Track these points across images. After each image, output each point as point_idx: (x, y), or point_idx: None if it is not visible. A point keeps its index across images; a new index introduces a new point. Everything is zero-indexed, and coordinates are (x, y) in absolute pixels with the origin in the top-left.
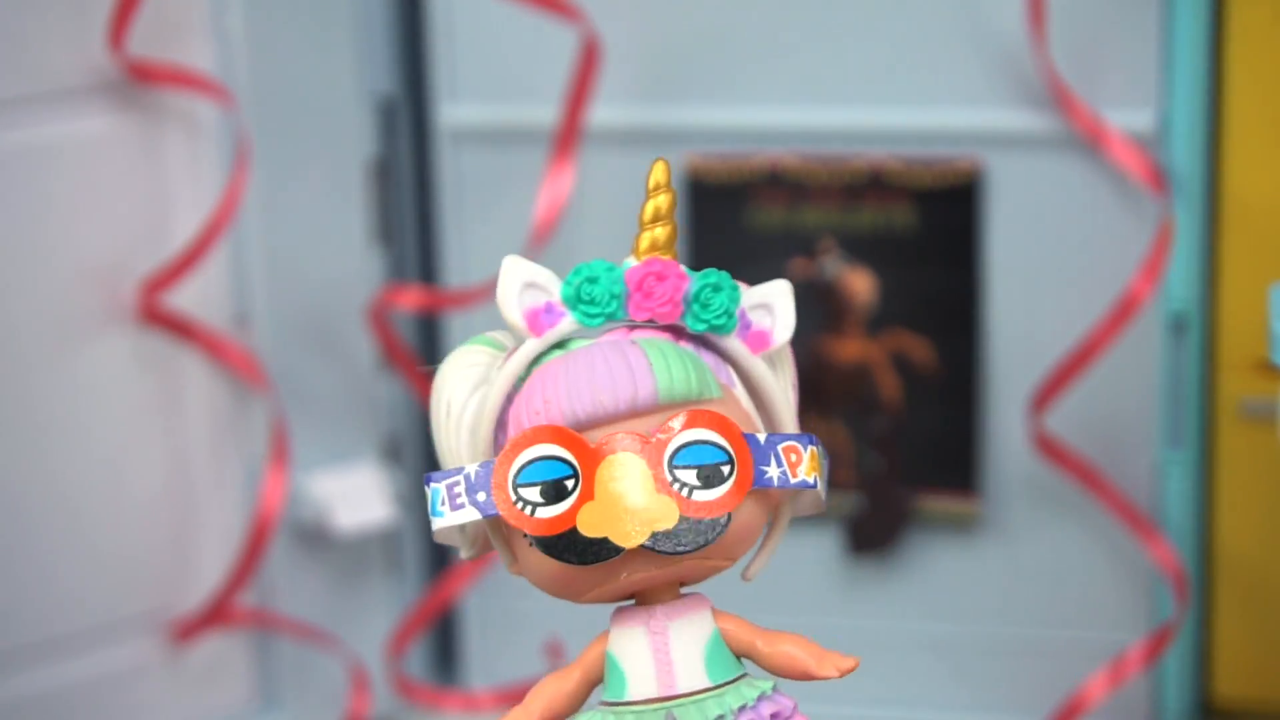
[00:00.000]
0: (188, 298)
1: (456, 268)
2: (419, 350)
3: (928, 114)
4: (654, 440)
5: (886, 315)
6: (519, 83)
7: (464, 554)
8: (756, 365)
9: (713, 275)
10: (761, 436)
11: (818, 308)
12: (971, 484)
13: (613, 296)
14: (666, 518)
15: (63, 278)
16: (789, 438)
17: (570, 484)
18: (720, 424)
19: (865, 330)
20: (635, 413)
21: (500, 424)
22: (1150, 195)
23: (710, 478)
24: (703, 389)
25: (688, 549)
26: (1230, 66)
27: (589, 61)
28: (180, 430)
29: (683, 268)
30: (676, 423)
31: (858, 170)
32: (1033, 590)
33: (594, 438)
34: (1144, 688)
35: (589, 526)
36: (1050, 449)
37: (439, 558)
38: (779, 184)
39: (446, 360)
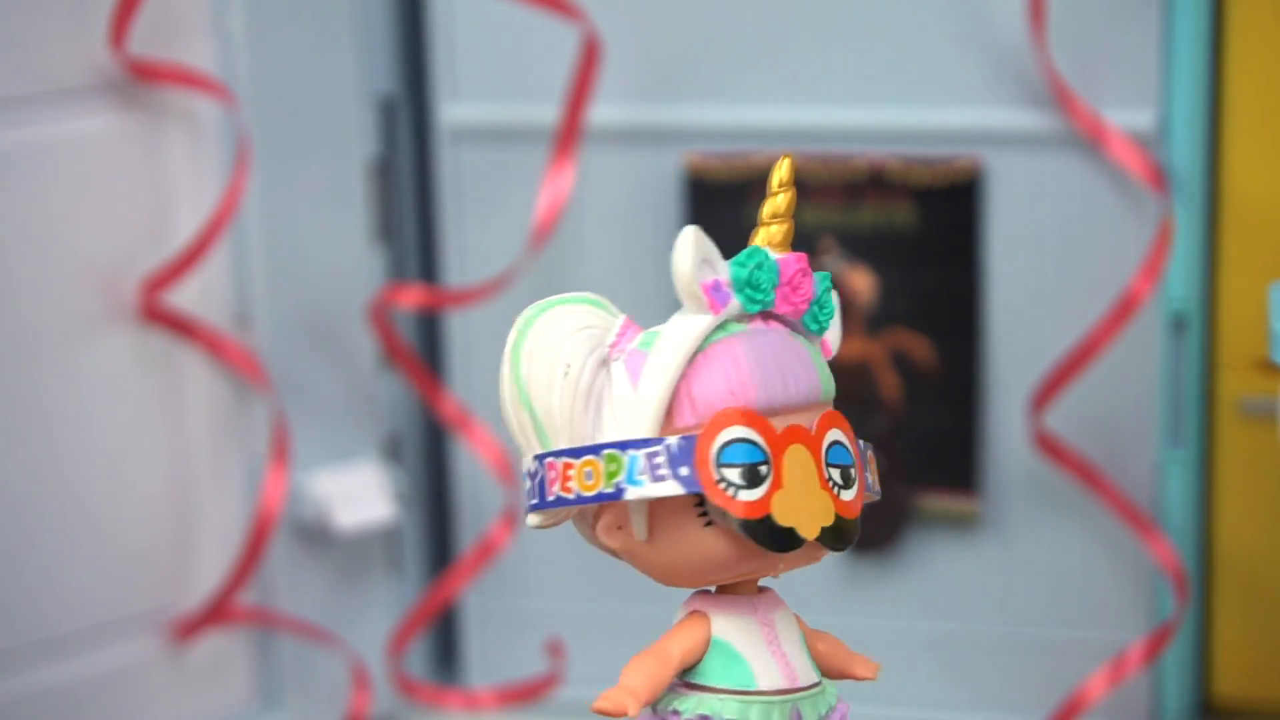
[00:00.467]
0: (189, 296)
1: (457, 266)
2: (419, 349)
3: (928, 113)
4: (815, 435)
5: (886, 314)
6: (519, 82)
7: (535, 523)
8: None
9: (828, 279)
10: (862, 442)
11: None
12: (971, 483)
13: (774, 286)
14: (827, 514)
15: (64, 276)
16: (867, 446)
17: (764, 470)
18: (845, 426)
19: (865, 329)
20: (809, 406)
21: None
22: (1150, 194)
23: (847, 478)
24: (832, 390)
25: (844, 546)
26: (1230, 66)
27: (589, 61)
28: (181, 429)
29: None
30: (828, 420)
31: (858, 169)
32: (1033, 589)
33: (776, 425)
34: (1144, 686)
35: (783, 514)
36: (1050, 448)
37: (439, 556)
38: None
39: (543, 314)
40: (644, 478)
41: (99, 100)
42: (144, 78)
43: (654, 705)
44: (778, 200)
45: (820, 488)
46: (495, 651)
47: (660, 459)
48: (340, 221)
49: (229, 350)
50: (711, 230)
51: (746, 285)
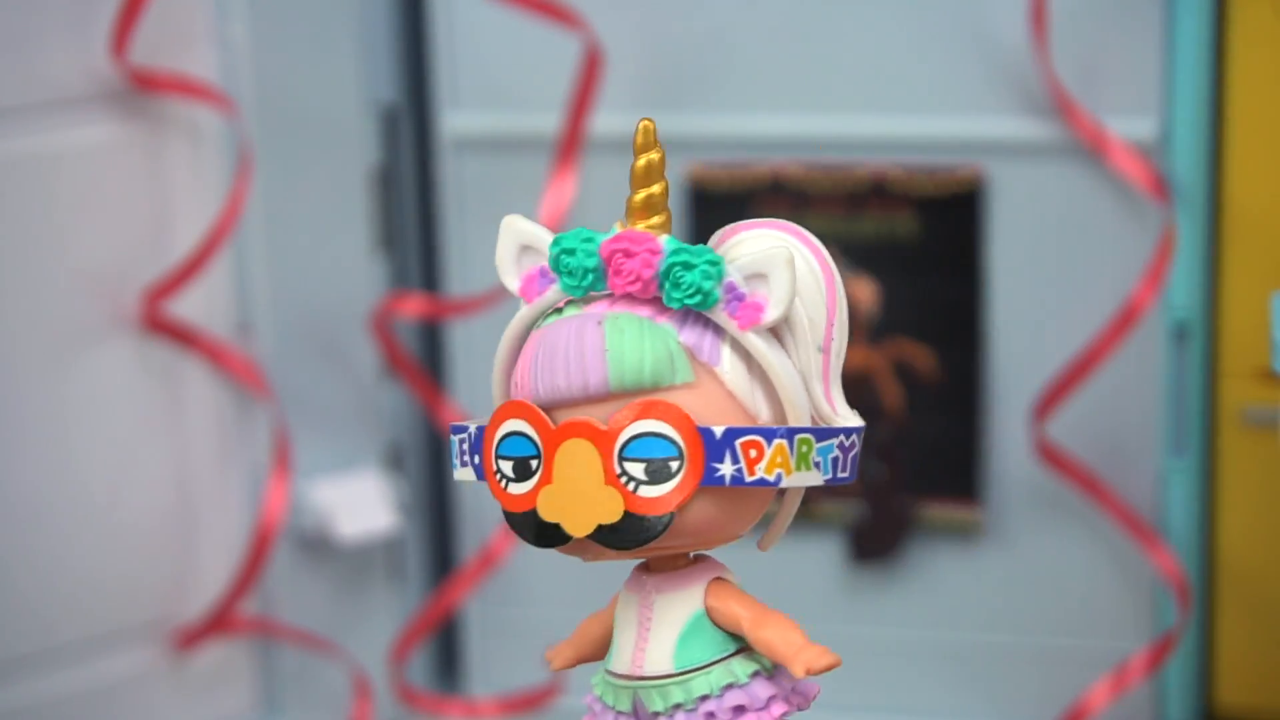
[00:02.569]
0: (190, 306)
1: (458, 276)
2: (421, 358)
3: (930, 122)
4: (606, 429)
5: (888, 323)
6: (521, 91)
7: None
8: (748, 340)
9: (684, 252)
10: (719, 430)
11: None
12: (973, 492)
13: (587, 270)
14: (611, 512)
15: (66, 286)
16: (750, 431)
17: (534, 464)
18: (673, 416)
19: (867, 338)
20: (589, 399)
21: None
22: (1152, 203)
23: (657, 473)
24: (659, 377)
25: (630, 546)
26: (1232, 75)
27: (591, 70)
28: (183, 438)
29: (660, 240)
30: (629, 412)
31: (860, 179)
32: (1035, 598)
33: (558, 419)
34: (1146, 695)
35: (547, 510)
36: (1052, 457)
37: (441, 566)
38: (781, 192)
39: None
40: (458, 461)
41: (101, 110)
42: (146, 87)
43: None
44: (651, 157)
45: (603, 484)
46: (496, 661)
47: (466, 445)
48: (342, 231)
49: (231, 360)
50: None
51: (558, 271)
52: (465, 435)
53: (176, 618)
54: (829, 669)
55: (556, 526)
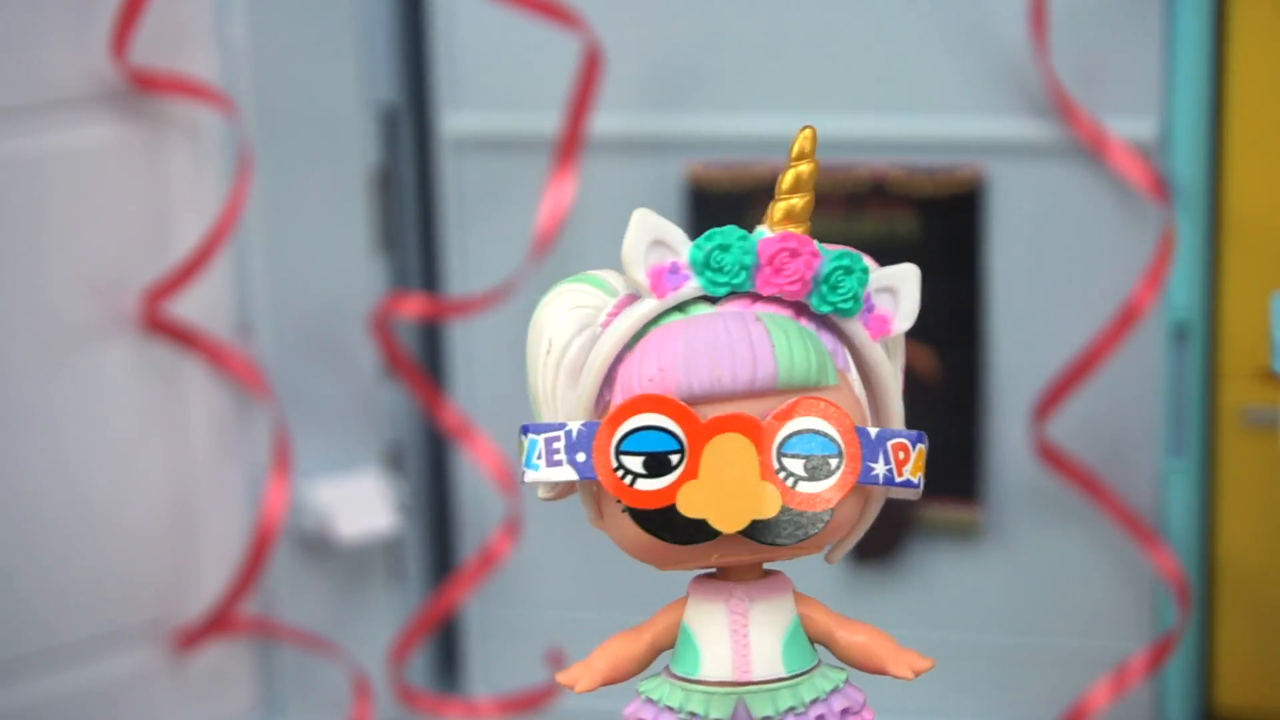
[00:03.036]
0: (190, 306)
1: (459, 276)
2: (421, 359)
3: (930, 123)
4: (766, 424)
5: None
6: (521, 91)
7: (543, 494)
8: (875, 352)
9: (845, 257)
10: (873, 431)
11: None
12: (974, 492)
13: (742, 267)
14: (768, 507)
15: (65, 286)
16: (900, 434)
17: (675, 459)
18: (834, 414)
19: None
20: (752, 393)
21: (607, 380)
22: (1152, 204)
23: (817, 469)
24: (821, 375)
25: (786, 541)
26: (1232, 75)
27: (591, 70)
28: (183, 439)
29: (816, 244)
30: (792, 409)
31: (860, 179)
32: (1035, 598)
33: (706, 413)
34: (1147, 696)
35: (689, 506)
36: (1052, 457)
37: (441, 566)
38: None
39: (549, 295)
40: (540, 462)
41: (101, 110)
42: (146, 87)
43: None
44: (800, 170)
45: (759, 479)
46: (497, 661)
47: (559, 444)
48: (342, 231)
49: (230, 360)
50: None
51: (705, 267)
52: (557, 434)
53: (176, 618)
54: (929, 668)
55: (701, 523)
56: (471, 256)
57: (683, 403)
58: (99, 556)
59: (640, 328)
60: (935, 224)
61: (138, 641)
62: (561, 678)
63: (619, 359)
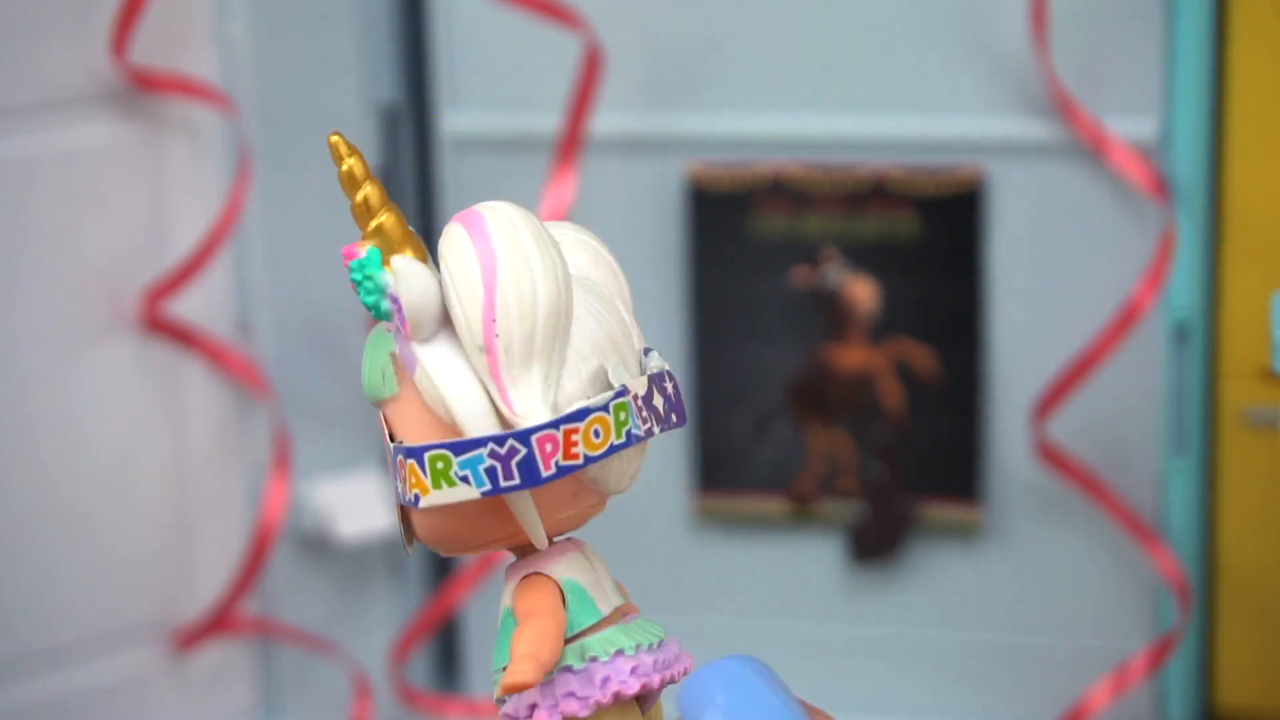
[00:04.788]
0: (190, 306)
1: None
2: None
3: (930, 122)
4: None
5: (889, 323)
6: (521, 91)
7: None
8: (420, 352)
9: (358, 268)
10: (393, 446)
11: (820, 316)
12: (974, 492)
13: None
14: None
15: (66, 286)
16: (395, 451)
17: None
18: (384, 428)
19: (868, 338)
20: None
21: None
22: (1152, 203)
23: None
24: (376, 391)
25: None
26: (1232, 75)
27: (591, 70)
28: (183, 438)
29: (359, 251)
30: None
31: (860, 179)
32: (1035, 598)
33: None
34: (1147, 696)
35: None
36: (1053, 457)
37: (441, 566)
38: (781, 192)
39: None
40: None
41: (101, 110)
42: (146, 87)
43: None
44: (352, 165)
45: None
46: None
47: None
48: (342, 231)
49: (231, 360)
50: (714, 239)
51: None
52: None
53: (177, 618)
54: (506, 690)
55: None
56: None
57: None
58: (99, 556)
59: None
60: (936, 223)
61: (138, 641)
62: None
63: None
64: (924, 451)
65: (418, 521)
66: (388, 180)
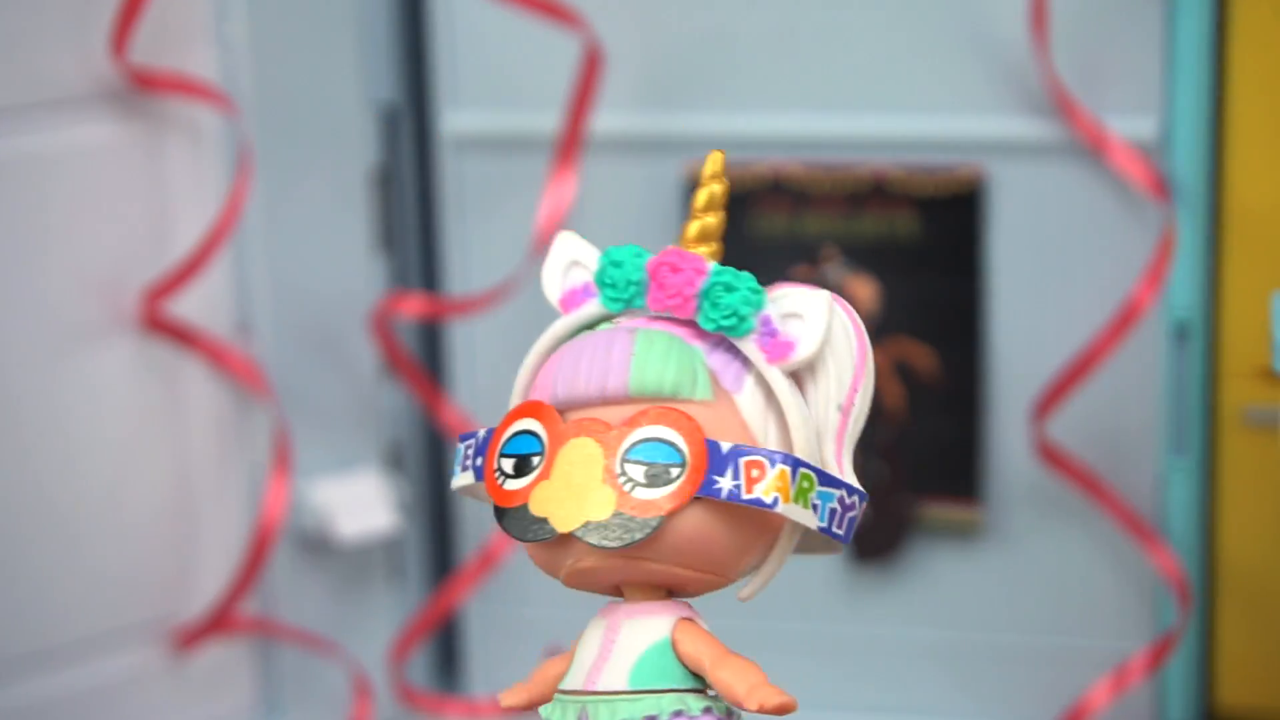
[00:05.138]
0: (190, 306)
1: (459, 275)
2: (421, 358)
3: (930, 122)
4: (616, 430)
5: (889, 323)
6: (521, 90)
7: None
8: (772, 374)
9: (728, 274)
10: (726, 445)
11: None
12: (974, 491)
13: (631, 283)
14: (601, 509)
15: (65, 286)
16: (757, 452)
17: (536, 460)
18: (683, 425)
19: (867, 338)
20: (606, 400)
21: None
22: (1153, 203)
23: (656, 477)
24: (679, 388)
25: (613, 545)
26: (1232, 74)
27: (591, 69)
28: (182, 438)
29: (708, 262)
30: (641, 415)
31: (860, 178)
32: (1035, 598)
33: (570, 419)
34: (1147, 696)
35: (537, 504)
36: (1053, 456)
37: (441, 566)
38: (781, 192)
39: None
40: (458, 468)
41: (100, 109)
42: (145, 86)
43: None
44: (714, 189)
45: (600, 482)
46: (497, 660)
47: (471, 449)
48: (342, 230)
49: (230, 359)
50: None
51: (602, 284)
52: (473, 440)
53: (176, 617)
54: (780, 709)
55: (544, 522)
56: (471, 256)
57: (554, 410)
58: (99, 555)
59: (554, 344)
60: (935, 223)
61: (137, 641)
62: (502, 696)
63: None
64: (923, 451)
65: (688, 521)
66: (387, 180)
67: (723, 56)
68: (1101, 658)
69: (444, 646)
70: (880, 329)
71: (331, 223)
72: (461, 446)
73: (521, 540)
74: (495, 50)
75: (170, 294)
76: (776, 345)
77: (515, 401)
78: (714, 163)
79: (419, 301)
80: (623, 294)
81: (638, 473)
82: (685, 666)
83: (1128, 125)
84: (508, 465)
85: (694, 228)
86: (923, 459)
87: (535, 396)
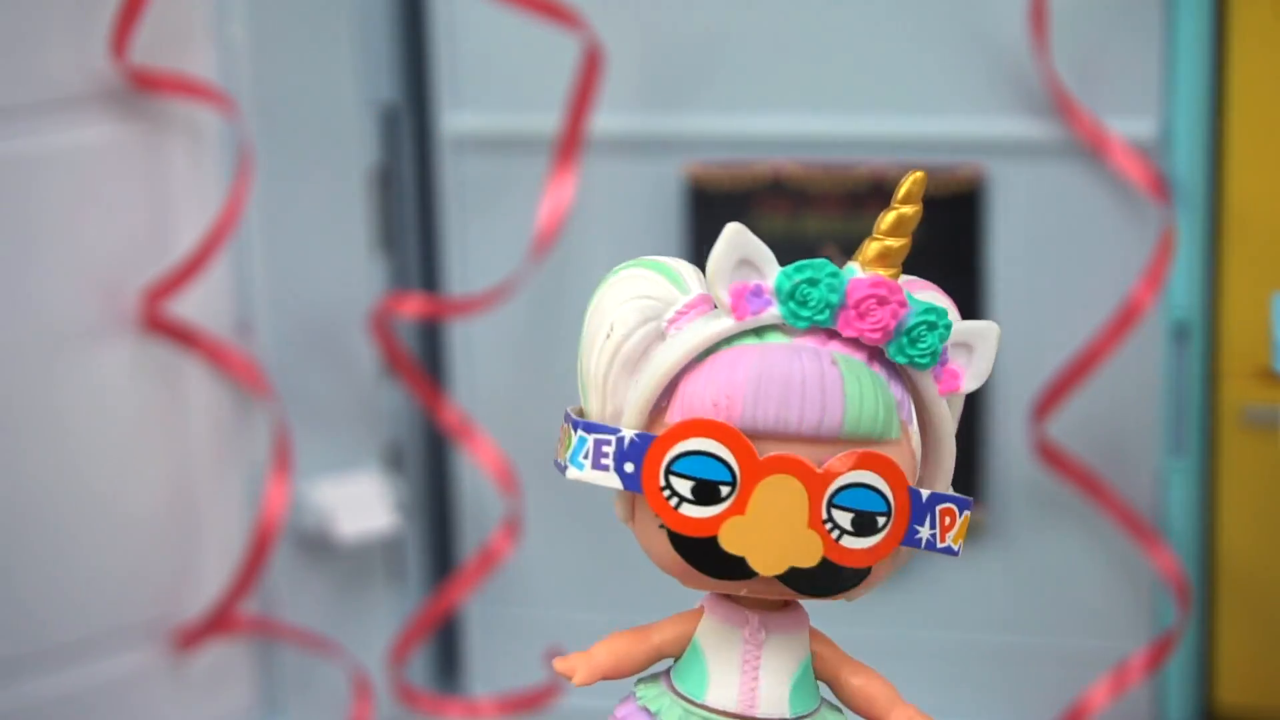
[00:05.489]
0: (190, 306)
1: (458, 275)
2: (421, 358)
3: (930, 122)
4: (823, 471)
5: None
6: (521, 91)
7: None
8: (940, 407)
9: (932, 312)
10: (925, 493)
11: None
12: (973, 492)
13: (827, 305)
14: (809, 556)
15: (65, 286)
16: (950, 499)
17: (725, 490)
18: (890, 472)
19: None
20: (817, 438)
21: (666, 387)
22: (1152, 203)
23: (865, 526)
24: (886, 429)
25: (820, 593)
26: (1232, 74)
27: (591, 69)
28: (182, 438)
29: (905, 292)
30: (850, 460)
31: (860, 178)
32: (1035, 598)
33: (765, 450)
34: (1146, 696)
35: (731, 542)
36: (1052, 457)
37: (441, 566)
38: (781, 192)
39: (615, 274)
40: (585, 461)
41: (100, 109)
42: (145, 87)
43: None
44: (904, 212)
45: (805, 526)
46: (497, 660)
47: (609, 448)
48: (341, 230)
49: (230, 359)
50: (713, 239)
51: (790, 298)
52: (609, 438)
53: (176, 617)
54: None
55: (739, 560)
56: (471, 256)
57: (744, 435)
58: (98, 556)
59: (712, 344)
60: (935, 223)
61: (137, 641)
62: (559, 664)
63: (684, 370)
64: None
65: (880, 565)
66: (387, 180)
67: (722, 56)
68: (1101, 657)
69: (444, 646)
70: None
71: (331, 223)
72: (590, 438)
73: (714, 576)
74: (495, 50)
75: (170, 294)
76: (947, 375)
77: (642, 397)
78: (913, 184)
79: (419, 302)
80: (815, 314)
81: (845, 520)
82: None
83: (1127, 125)
84: (684, 487)
85: (874, 249)
86: None
87: (711, 413)
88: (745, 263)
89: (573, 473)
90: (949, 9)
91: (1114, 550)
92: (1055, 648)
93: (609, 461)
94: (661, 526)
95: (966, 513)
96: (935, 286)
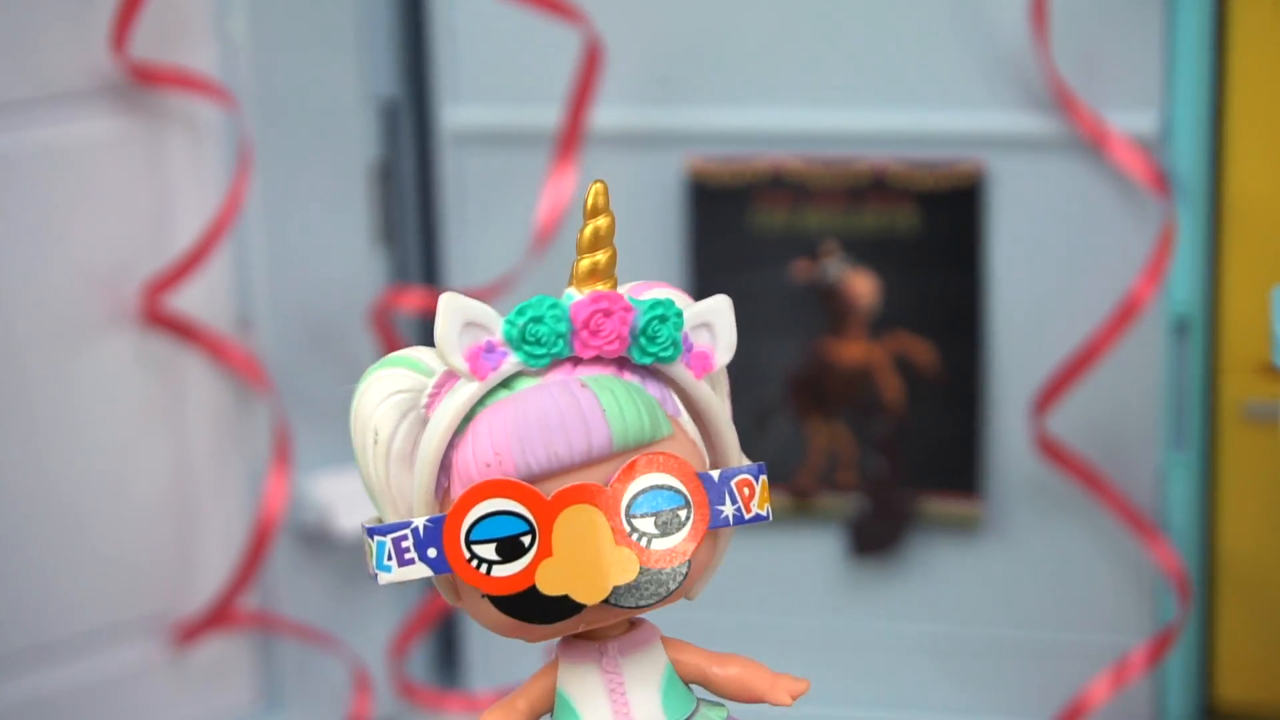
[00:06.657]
0: (190, 300)
1: (459, 270)
2: None
3: (930, 116)
4: (610, 489)
5: (889, 317)
6: (521, 85)
7: (442, 593)
8: (701, 390)
9: (658, 306)
10: (716, 474)
11: (820, 310)
12: (974, 486)
13: (558, 335)
14: (626, 572)
15: (65, 280)
16: (741, 471)
17: (527, 540)
18: (675, 466)
19: (867, 332)
20: (591, 461)
21: (442, 467)
22: (1152, 197)
23: (668, 524)
24: (655, 429)
25: (649, 601)
26: (1232, 69)
27: (591, 64)
28: (183, 432)
29: (626, 297)
30: (631, 469)
31: (860, 173)
32: (1035, 593)
33: (549, 489)
34: (1147, 690)
35: (549, 584)
36: (1052, 451)
37: None
38: (781, 186)
39: (364, 382)
40: (391, 563)
41: (101, 104)
42: (146, 81)
43: None
44: (599, 224)
45: (613, 545)
46: (496, 655)
47: (407, 543)
48: (342, 225)
49: (231, 354)
50: (713, 233)
51: (522, 342)
52: (403, 533)
53: (176, 612)
54: (805, 691)
55: (563, 599)
56: (472, 250)
57: (524, 483)
58: (99, 550)
59: (467, 411)
60: (936, 218)
61: (138, 635)
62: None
63: (451, 445)
64: (924, 446)
65: (697, 555)
66: (387, 175)
67: (723, 51)
68: (1101, 652)
69: (443, 641)
70: (880, 323)
71: (332, 217)
72: (386, 540)
73: (546, 622)
74: (495, 45)
75: (170, 289)
76: (697, 359)
77: (421, 484)
78: (596, 196)
79: (419, 296)
80: (550, 349)
81: (647, 525)
82: (685, 683)
83: (1128, 120)
84: (487, 551)
85: (584, 266)
86: (922, 454)
87: (487, 474)
88: (471, 325)
89: (383, 578)
90: (950, 4)
91: (1114, 545)
92: (1056, 642)
93: (412, 555)
94: (484, 596)
95: (762, 477)
96: (660, 283)
